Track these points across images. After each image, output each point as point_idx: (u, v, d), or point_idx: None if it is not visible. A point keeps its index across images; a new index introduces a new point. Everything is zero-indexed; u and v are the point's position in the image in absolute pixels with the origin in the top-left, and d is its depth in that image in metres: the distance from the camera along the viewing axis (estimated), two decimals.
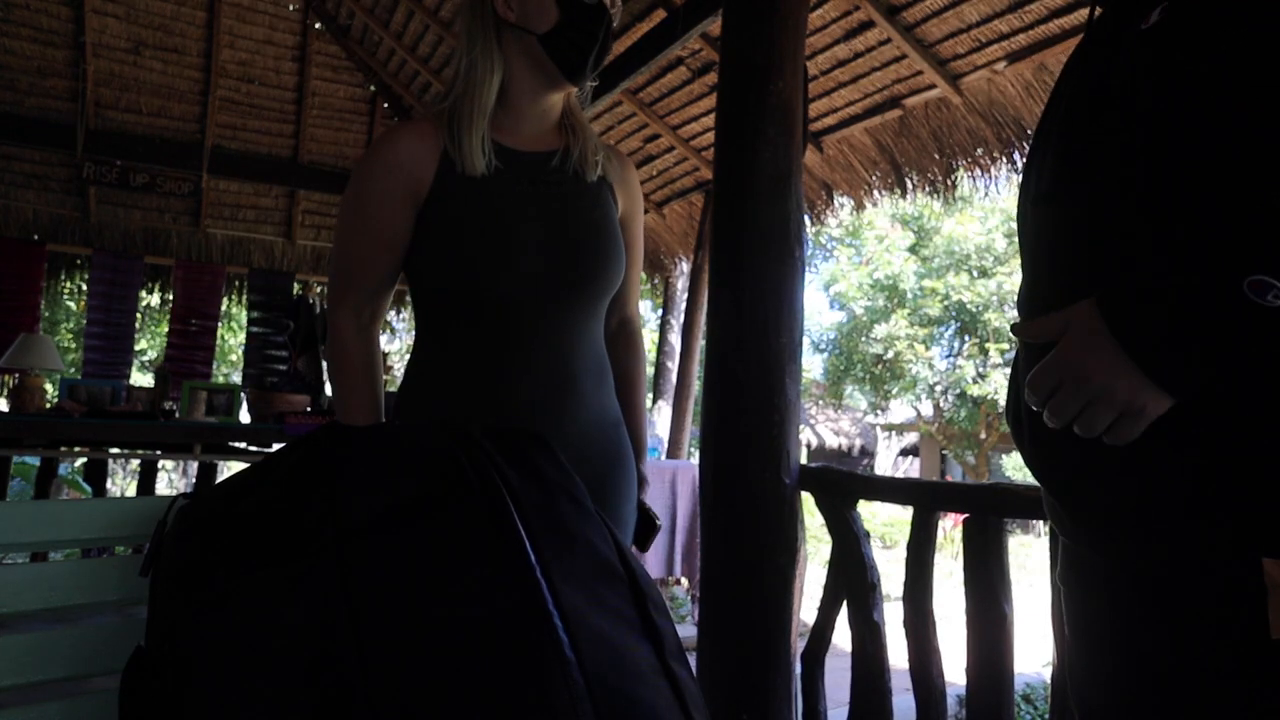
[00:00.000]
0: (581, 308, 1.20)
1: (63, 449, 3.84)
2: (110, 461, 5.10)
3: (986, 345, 11.31)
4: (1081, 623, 0.80)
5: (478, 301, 1.16)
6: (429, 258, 1.17)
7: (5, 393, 5.30)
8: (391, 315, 7.28)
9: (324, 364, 5.92)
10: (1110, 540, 0.73)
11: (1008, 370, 0.91)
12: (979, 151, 3.52)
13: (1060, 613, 0.85)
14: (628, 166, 1.31)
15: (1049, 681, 0.93)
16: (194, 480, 6.53)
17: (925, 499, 1.78)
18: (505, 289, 1.15)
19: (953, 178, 3.68)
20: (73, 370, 9.20)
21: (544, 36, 1.17)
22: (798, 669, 2.05)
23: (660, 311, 5.58)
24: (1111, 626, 0.75)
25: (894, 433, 16.82)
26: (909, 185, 3.89)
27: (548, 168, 1.21)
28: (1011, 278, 10.75)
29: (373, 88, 6.03)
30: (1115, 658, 0.74)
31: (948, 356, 12.21)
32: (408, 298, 6.98)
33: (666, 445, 4.74)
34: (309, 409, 3.85)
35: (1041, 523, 0.90)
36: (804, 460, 2.14)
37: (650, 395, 5.67)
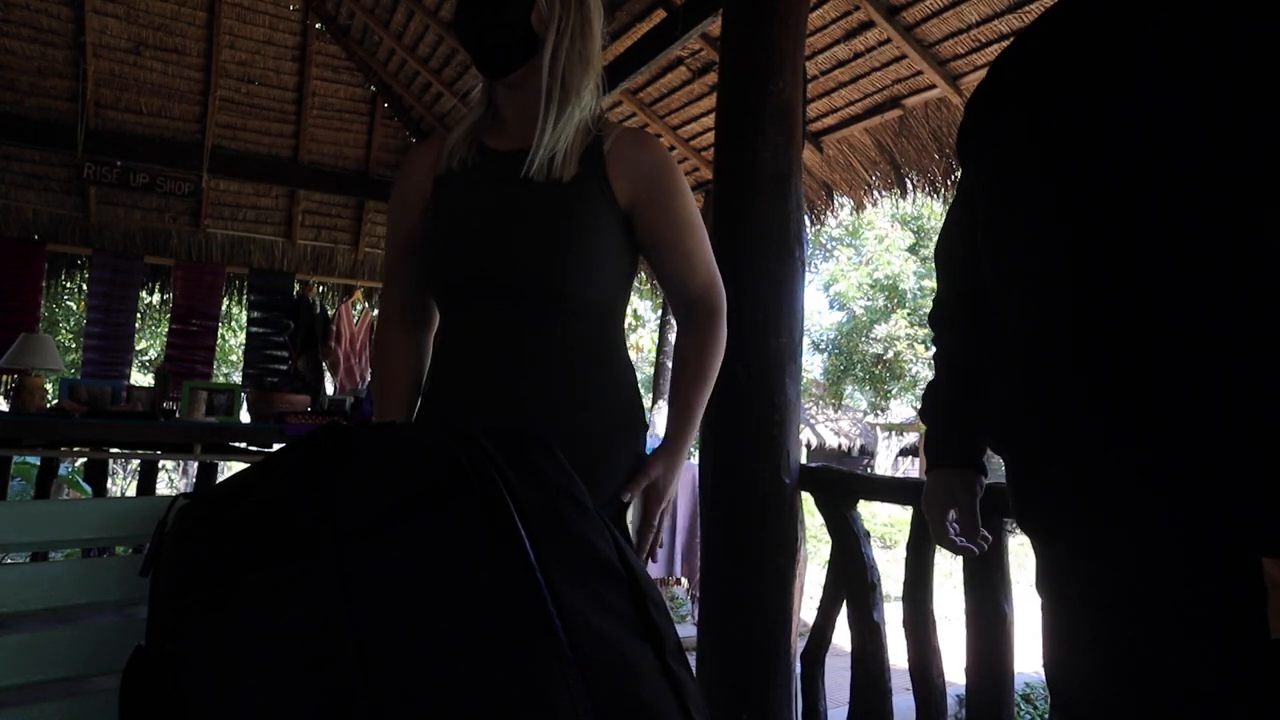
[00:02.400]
0: (510, 306, 1.13)
1: (63, 449, 3.84)
2: (110, 461, 5.10)
3: None
4: (1076, 629, 0.81)
5: (434, 295, 1.23)
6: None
7: (5, 393, 5.30)
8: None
9: (323, 364, 5.92)
10: (1108, 541, 0.73)
11: None
12: None
13: (1049, 619, 0.86)
14: (641, 150, 1.19)
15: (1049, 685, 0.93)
16: (194, 480, 6.52)
17: None
18: (436, 287, 1.20)
19: (953, 178, 3.68)
20: (73, 370, 9.20)
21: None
22: (798, 669, 2.05)
23: (660, 311, 5.59)
24: (1109, 630, 0.75)
25: (894, 433, 16.82)
26: (909, 185, 3.89)
27: (517, 168, 1.16)
28: None
29: (373, 88, 6.03)
30: (1111, 660, 0.74)
31: None
32: None
33: None
34: (309, 409, 3.85)
35: None
36: (804, 460, 2.14)
37: (650, 395, 5.67)
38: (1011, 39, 0.97)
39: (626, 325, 1.46)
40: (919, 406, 1.27)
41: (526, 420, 1.11)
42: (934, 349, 1.09)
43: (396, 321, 1.29)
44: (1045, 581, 0.85)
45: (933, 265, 11.50)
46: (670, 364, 5.41)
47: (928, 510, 1.06)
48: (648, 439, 1.24)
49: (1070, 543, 0.77)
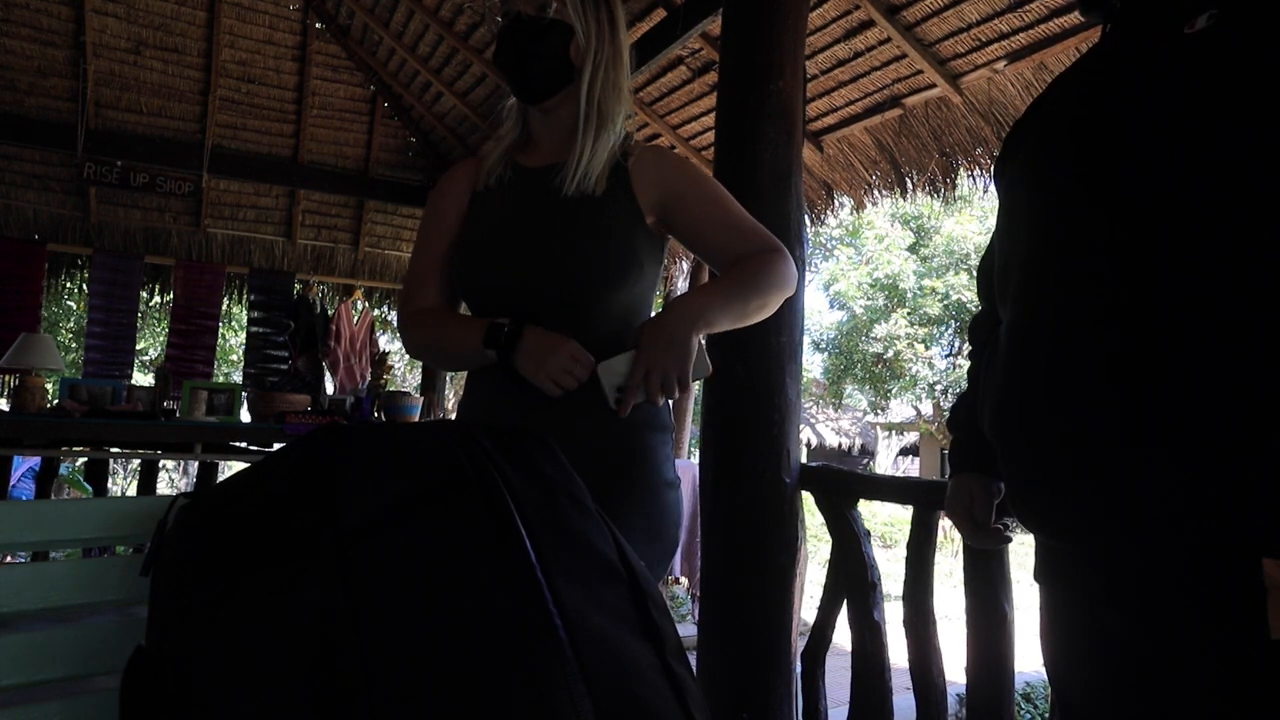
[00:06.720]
0: (544, 306, 1.17)
1: (63, 449, 3.84)
2: (110, 461, 5.10)
3: None
4: (1070, 624, 0.81)
5: (469, 298, 1.27)
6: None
7: (6, 393, 5.30)
8: (393, 316, 7.27)
9: (323, 364, 5.92)
10: (1106, 541, 0.73)
11: None
12: (979, 151, 3.52)
13: (1047, 612, 0.86)
14: (660, 159, 1.26)
15: (1049, 681, 0.94)
16: (194, 480, 6.52)
17: (925, 498, 1.78)
18: (474, 298, 1.25)
19: (953, 177, 3.68)
20: (73, 370, 9.21)
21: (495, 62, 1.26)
22: (798, 668, 2.05)
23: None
24: (1105, 629, 0.75)
25: (894, 432, 16.82)
26: (909, 185, 3.89)
27: (550, 182, 1.23)
28: None
29: (373, 88, 6.02)
30: (1109, 658, 0.74)
31: (947, 356, 12.20)
32: None
33: None
34: (309, 409, 3.85)
35: None
36: (804, 459, 2.14)
37: None
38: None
39: None
40: (946, 416, 1.31)
41: (598, 430, 1.16)
42: (969, 363, 1.13)
43: (430, 304, 1.31)
44: (1045, 572, 0.85)
45: (933, 265, 11.45)
46: None
47: (949, 512, 1.10)
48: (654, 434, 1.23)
49: (1073, 537, 0.77)
